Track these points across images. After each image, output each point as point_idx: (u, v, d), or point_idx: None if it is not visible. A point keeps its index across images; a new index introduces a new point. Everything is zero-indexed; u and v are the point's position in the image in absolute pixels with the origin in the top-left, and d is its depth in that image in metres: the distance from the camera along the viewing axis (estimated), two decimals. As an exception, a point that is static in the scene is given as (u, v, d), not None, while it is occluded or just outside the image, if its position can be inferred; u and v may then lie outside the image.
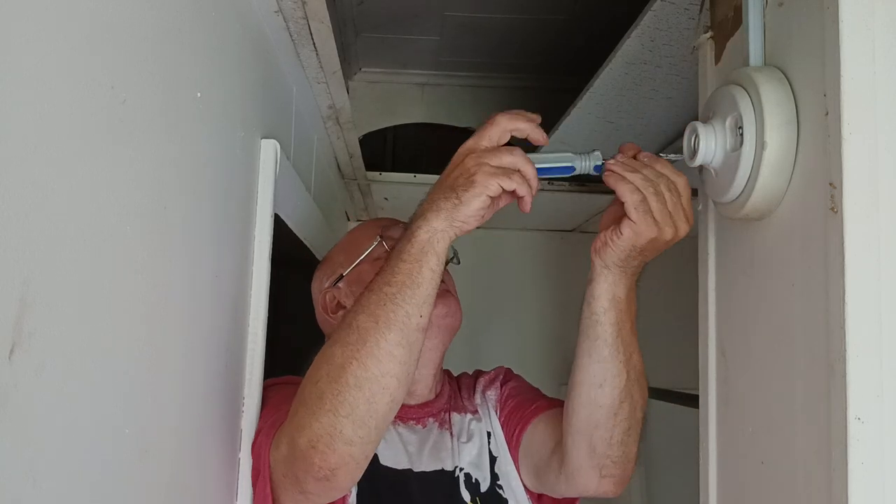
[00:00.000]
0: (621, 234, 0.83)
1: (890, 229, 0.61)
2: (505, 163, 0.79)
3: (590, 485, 0.99)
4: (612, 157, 0.84)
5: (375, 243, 1.11)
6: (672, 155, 0.86)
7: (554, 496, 1.11)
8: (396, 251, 0.83)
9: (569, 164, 0.86)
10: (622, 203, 0.82)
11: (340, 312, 1.12)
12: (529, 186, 0.81)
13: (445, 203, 0.80)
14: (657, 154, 0.86)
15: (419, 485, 1.03)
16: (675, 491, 2.23)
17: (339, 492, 0.89)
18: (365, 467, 0.85)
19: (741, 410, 0.82)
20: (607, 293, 0.90)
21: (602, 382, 0.93)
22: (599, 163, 0.85)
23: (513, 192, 0.81)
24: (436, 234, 0.81)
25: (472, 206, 0.79)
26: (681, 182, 0.83)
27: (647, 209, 0.81)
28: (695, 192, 0.88)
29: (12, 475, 0.46)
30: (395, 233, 1.12)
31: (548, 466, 1.05)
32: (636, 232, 0.82)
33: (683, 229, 0.83)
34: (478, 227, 0.83)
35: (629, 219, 0.82)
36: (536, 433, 1.09)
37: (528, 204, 0.82)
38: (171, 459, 0.75)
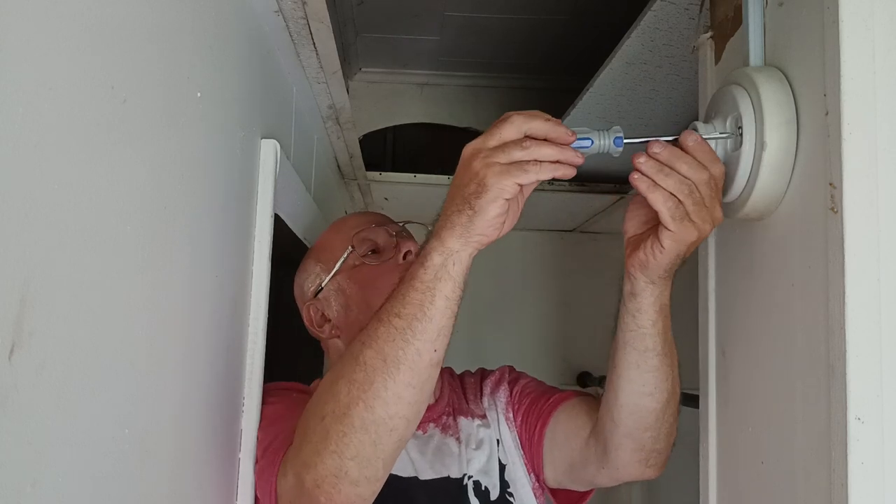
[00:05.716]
0: (663, 248, 0.76)
1: (890, 229, 0.61)
2: (516, 157, 0.70)
3: (634, 475, 1.00)
4: (639, 146, 0.74)
5: (349, 251, 1.07)
6: (716, 133, 0.77)
7: (581, 489, 1.11)
8: (409, 275, 0.75)
9: (586, 146, 0.74)
10: (647, 205, 0.74)
11: (327, 325, 1.10)
12: (559, 162, 0.70)
13: (459, 217, 0.72)
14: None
15: (426, 493, 1.00)
16: (675, 491, 2.23)
17: None
18: (371, 502, 0.82)
19: (741, 410, 0.82)
20: (654, 305, 0.84)
21: (653, 391, 0.90)
22: (620, 146, 0.74)
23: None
24: (451, 257, 0.73)
25: (487, 215, 0.70)
26: (717, 170, 0.74)
27: (683, 215, 0.73)
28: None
29: (12, 475, 0.46)
30: (370, 234, 1.09)
31: (585, 460, 1.04)
32: (677, 241, 0.75)
33: (719, 218, 0.75)
34: None
35: (667, 229, 0.74)
36: (560, 425, 1.07)
37: (571, 172, 0.71)
38: (171, 459, 0.75)
